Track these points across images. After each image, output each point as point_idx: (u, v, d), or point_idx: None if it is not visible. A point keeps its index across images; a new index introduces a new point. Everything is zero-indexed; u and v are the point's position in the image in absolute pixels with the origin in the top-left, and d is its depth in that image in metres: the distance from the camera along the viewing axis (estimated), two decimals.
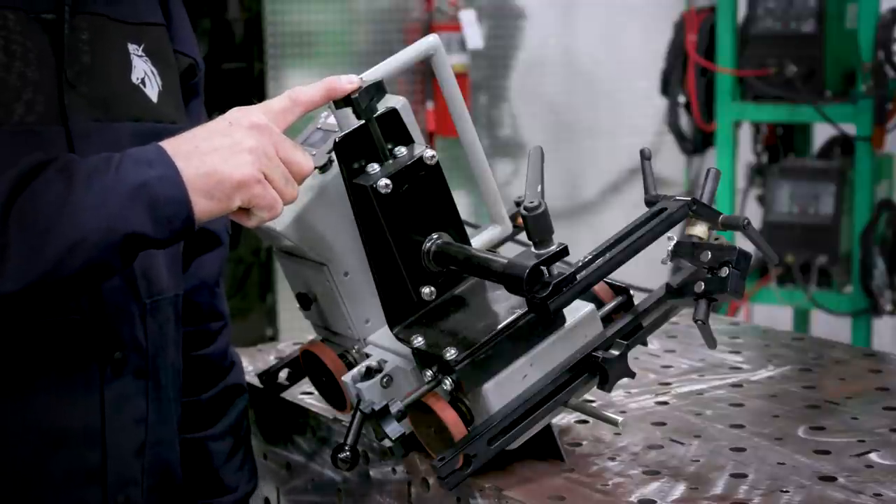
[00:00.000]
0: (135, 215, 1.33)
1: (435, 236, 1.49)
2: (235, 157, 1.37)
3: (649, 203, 1.52)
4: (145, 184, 1.33)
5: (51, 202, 1.31)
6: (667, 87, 4.89)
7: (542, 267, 1.37)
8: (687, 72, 4.78)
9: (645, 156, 1.58)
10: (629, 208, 5.17)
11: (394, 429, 1.43)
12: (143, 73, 1.56)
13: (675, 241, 1.51)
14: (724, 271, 1.45)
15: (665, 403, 1.78)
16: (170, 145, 1.37)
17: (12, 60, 1.42)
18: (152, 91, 1.57)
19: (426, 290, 1.49)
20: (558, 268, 1.40)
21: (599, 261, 1.43)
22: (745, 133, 4.83)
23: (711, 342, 1.49)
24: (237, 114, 1.40)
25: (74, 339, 1.48)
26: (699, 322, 1.46)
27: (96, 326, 1.50)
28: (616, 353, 1.48)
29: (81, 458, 1.51)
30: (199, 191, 1.36)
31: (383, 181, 1.44)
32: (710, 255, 1.46)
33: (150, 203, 1.33)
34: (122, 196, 1.33)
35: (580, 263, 1.43)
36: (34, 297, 1.33)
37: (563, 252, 1.39)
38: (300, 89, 1.45)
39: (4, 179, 1.32)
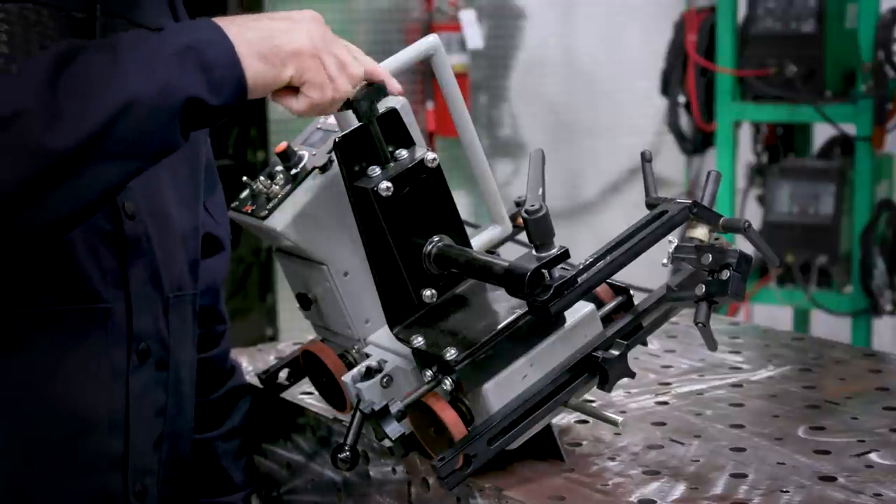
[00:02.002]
0: (187, 77, 1.32)
1: (436, 239, 1.49)
2: (292, 30, 1.38)
3: (650, 206, 1.52)
4: (192, 46, 1.33)
5: (98, 70, 1.30)
6: (667, 87, 4.89)
7: (543, 270, 1.38)
8: (687, 72, 4.78)
9: (646, 158, 1.59)
10: (629, 208, 5.17)
11: (394, 429, 1.43)
12: None
13: (675, 244, 1.52)
14: (725, 274, 1.45)
15: (665, 403, 1.78)
16: (219, 20, 1.37)
17: None
18: None
19: (427, 292, 1.49)
20: (559, 270, 1.40)
21: (600, 264, 1.43)
22: (745, 133, 4.83)
23: (712, 344, 1.49)
24: (293, 11, 1.42)
25: (102, 327, 1.50)
26: (700, 325, 1.46)
27: (123, 315, 1.52)
28: (616, 353, 1.48)
29: (106, 445, 1.53)
30: (253, 53, 1.35)
31: (384, 184, 1.45)
32: (710, 258, 1.47)
33: (199, 64, 1.32)
34: (169, 58, 1.32)
35: (581, 266, 1.43)
36: (83, 163, 1.29)
37: (564, 255, 1.39)
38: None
39: (49, 53, 1.32)
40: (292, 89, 1.40)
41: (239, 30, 1.36)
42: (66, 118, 1.27)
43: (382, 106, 1.48)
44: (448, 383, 1.43)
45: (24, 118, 1.27)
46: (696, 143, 4.96)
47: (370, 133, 1.46)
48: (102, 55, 1.31)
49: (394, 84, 1.46)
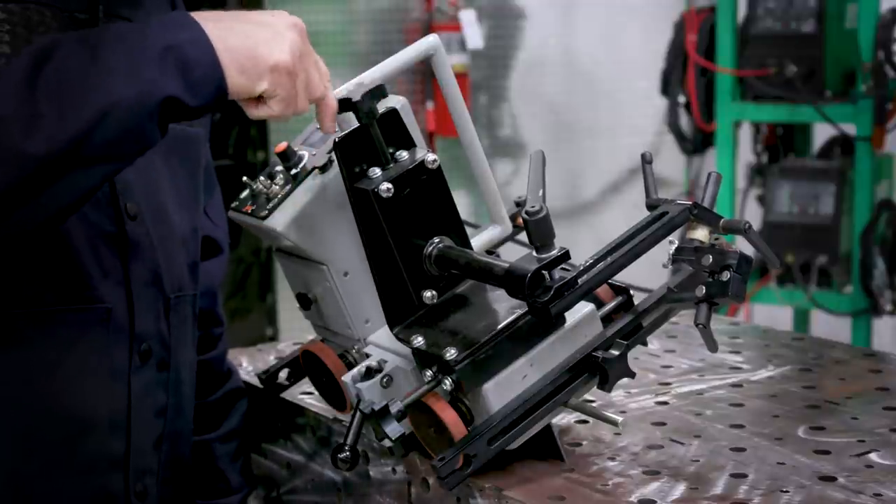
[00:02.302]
0: (166, 78, 1.30)
1: (436, 240, 1.49)
2: (274, 41, 1.35)
3: (650, 207, 1.52)
4: (173, 46, 1.31)
5: (78, 70, 1.28)
6: (667, 87, 4.89)
7: (543, 271, 1.38)
8: (687, 72, 4.78)
9: (646, 160, 1.59)
10: (629, 208, 5.17)
11: (394, 429, 1.43)
12: None
13: (675, 245, 1.51)
14: (726, 275, 1.45)
15: (665, 403, 1.78)
16: (201, 17, 1.35)
17: None
18: None
19: (427, 293, 1.49)
20: (560, 271, 1.40)
21: (601, 265, 1.43)
22: (745, 133, 4.83)
23: (713, 346, 1.49)
24: (277, 13, 1.39)
25: (104, 327, 1.50)
26: (700, 326, 1.46)
27: (125, 316, 1.52)
28: (616, 353, 1.48)
29: (107, 445, 1.53)
30: (233, 64, 1.33)
31: (385, 185, 1.45)
32: (711, 259, 1.47)
33: (179, 65, 1.30)
34: (149, 59, 1.30)
35: (582, 267, 1.43)
36: (67, 167, 1.28)
37: (565, 256, 1.39)
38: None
39: (26, 53, 1.30)
40: (257, 99, 1.38)
41: (221, 32, 1.33)
42: (46, 123, 1.26)
43: (382, 106, 1.48)
44: (448, 383, 1.43)
45: (4, 123, 1.26)
46: (696, 143, 4.96)
47: (370, 134, 1.46)
48: (81, 53, 1.29)
49: (329, 124, 1.44)
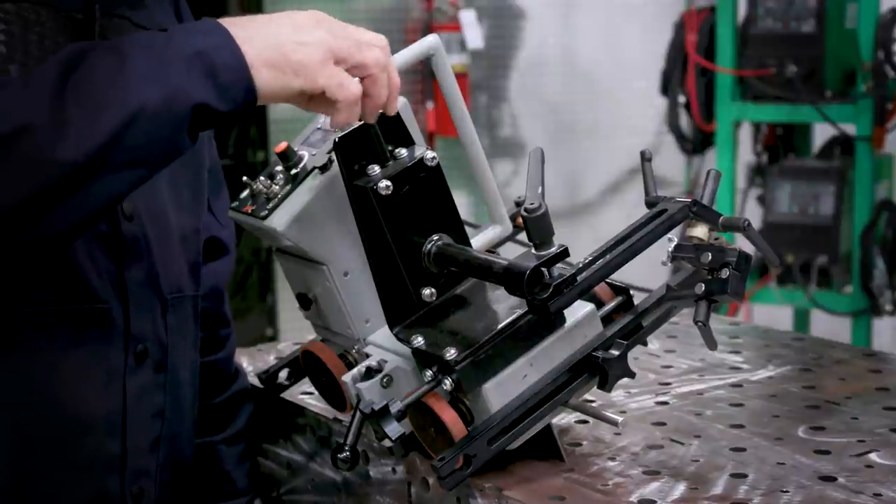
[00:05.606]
0: (194, 84, 1.30)
1: (435, 238, 1.49)
2: (298, 36, 1.34)
3: (650, 204, 1.52)
4: (200, 52, 1.31)
5: (106, 77, 1.28)
6: (667, 87, 4.89)
7: (542, 268, 1.37)
8: (687, 72, 4.79)
9: (646, 157, 1.58)
10: (629, 208, 5.18)
11: (394, 429, 1.43)
12: None
13: (675, 243, 1.51)
14: (725, 273, 1.45)
15: (665, 403, 1.78)
16: (225, 21, 1.35)
17: (45, 55, 1.42)
18: None
19: (427, 291, 1.49)
20: (559, 269, 1.40)
21: (600, 262, 1.43)
22: (745, 133, 4.83)
23: (712, 344, 1.49)
24: (296, 11, 1.39)
25: (100, 328, 1.49)
26: (700, 324, 1.46)
27: (121, 316, 1.51)
28: (616, 353, 1.48)
29: (102, 447, 1.53)
30: (261, 62, 1.32)
31: (384, 182, 1.45)
32: (710, 257, 1.47)
33: (207, 71, 1.30)
34: (177, 65, 1.30)
35: (581, 265, 1.43)
36: (95, 173, 1.28)
37: (564, 254, 1.38)
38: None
39: (54, 61, 1.30)
40: (324, 101, 1.37)
41: (246, 35, 1.33)
42: (75, 129, 1.26)
43: None
44: (448, 383, 1.43)
45: (34, 131, 1.26)
46: (696, 143, 4.97)
47: (370, 132, 1.46)
48: (109, 60, 1.29)
49: (391, 105, 1.43)
